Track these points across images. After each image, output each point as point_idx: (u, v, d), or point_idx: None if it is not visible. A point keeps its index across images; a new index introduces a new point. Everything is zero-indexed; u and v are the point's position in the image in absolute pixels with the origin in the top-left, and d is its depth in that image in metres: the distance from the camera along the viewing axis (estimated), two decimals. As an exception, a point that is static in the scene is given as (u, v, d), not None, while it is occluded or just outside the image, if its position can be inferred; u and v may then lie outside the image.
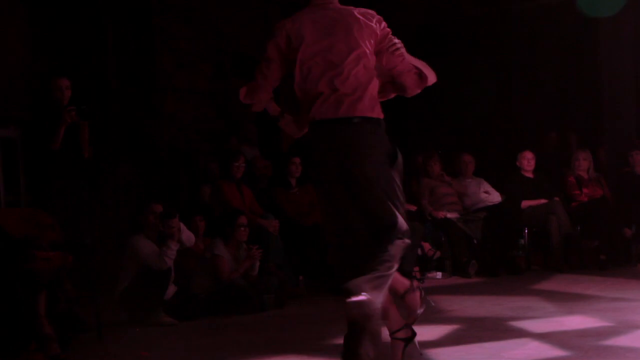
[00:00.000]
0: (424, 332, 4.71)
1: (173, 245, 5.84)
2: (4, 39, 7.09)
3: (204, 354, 4.64)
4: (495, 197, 8.40)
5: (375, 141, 3.54)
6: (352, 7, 3.63)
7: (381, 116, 3.56)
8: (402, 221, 3.44)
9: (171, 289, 6.01)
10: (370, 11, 3.64)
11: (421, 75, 3.67)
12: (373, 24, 3.58)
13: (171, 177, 8.15)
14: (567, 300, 5.90)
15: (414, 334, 3.64)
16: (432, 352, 4.22)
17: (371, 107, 3.54)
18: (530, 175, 8.45)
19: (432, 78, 3.78)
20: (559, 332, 4.60)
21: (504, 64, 10.46)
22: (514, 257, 8.11)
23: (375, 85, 3.58)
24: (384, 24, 3.63)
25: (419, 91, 3.75)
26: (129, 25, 8.28)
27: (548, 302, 5.88)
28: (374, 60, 3.58)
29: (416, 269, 7.69)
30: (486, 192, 8.42)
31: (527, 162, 8.43)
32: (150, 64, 8.55)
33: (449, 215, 8.11)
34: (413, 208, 7.87)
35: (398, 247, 3.38)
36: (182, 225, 5.98)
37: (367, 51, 3.54)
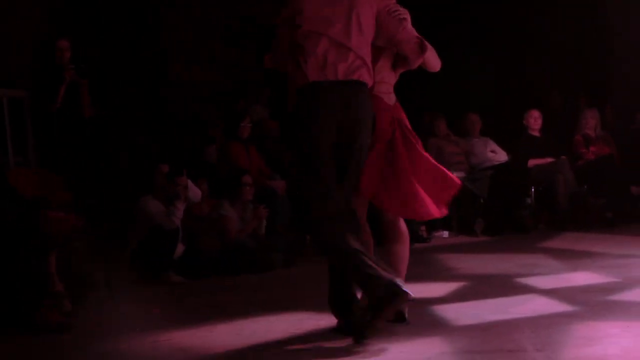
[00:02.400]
0: (431, 289, 4.78)
1: (180, 205, 5.89)
2: (21, 35, 7.05)
3: (213, 312, 4.69)
4: (501, 156, 8.40)
5: (370, 107, 3.65)
6: None
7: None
8: None
9: (179, 248, 6.06)
10: None
11: (422, 45, 3.67)
12: None
13: (179, 139, 8.17)
14: (573, 258, 5.93)
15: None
16: (439, 308, 4.26)
17: (369, 73, 3.64)
18: (537, 134, 8.43)
19: (435, 63, 3.81)
20: (565, 288, 4.63)
21: (514, 25, 10.35)
22: (521, 216, 8.13)
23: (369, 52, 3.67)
24: None
25: (419, 61, 3.76)
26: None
27: (554, 260, 5.91)
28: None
29: (422, 227, 7.73)
30: (493, 151, 8.42)
31: (534, 120, 8.41)
32: (159, 29, 8.53)
33: (455, 174, 8.09)
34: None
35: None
36: (189, 182, 6.02)
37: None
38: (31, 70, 6.43)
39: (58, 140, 5.97)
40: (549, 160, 8.21)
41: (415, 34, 3.70)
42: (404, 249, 3.88)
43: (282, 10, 3.68)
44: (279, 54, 3.71)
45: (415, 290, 3.95)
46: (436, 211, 3.85)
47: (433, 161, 3.88)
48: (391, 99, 3.90)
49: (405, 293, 3.35)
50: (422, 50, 3.70)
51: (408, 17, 3.71)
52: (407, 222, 3.98)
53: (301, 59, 3.58)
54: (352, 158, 3.60)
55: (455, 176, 3.90)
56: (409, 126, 3.90)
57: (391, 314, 3.57)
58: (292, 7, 3.62)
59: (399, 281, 3.40)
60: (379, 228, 3.92)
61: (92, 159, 6.06)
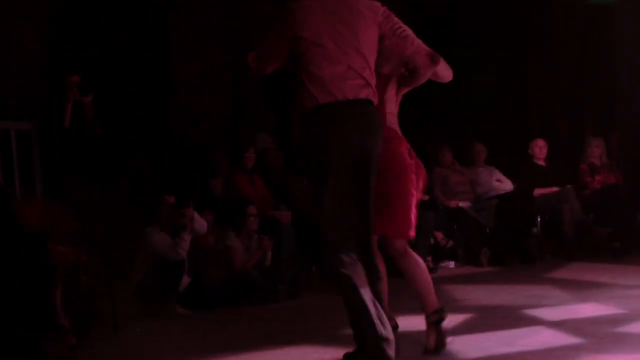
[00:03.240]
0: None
1: (186, 237, 5.88)
2: (21, 35, 7.12)
3: (218, 345, 4.67)
4: (507, 185, 8.39)
5: (381, 128, 3.63)
6: None
7: None
8: None
9: (185, 280, 6.04)
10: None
11: (433, 57, 3.68)
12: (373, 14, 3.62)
13: (184, 169, 8.18)
14: (581, 288, 5.89)
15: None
16: (446, 341, 4.22)
17: (374, 94, 3.60)
18: (542, 163, 8.43)
19: (447, 73, 3.82)
20: (573, 320, 4.61)
21: (518, 52, 10.40)
22: (527, 245, 8.10)
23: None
24: (383, 8, 3.65)
25: (430, 72, 3.76)
26: (144, 20, 8.29)
27: (561, 290, 5.88)
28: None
29: (429, 258, 7.69)
30: (498, 181, 8.41)
31: (539, 149, 8.41)
32: (163, 57, 8.58)
33: (461, 204, 8.11)
34: (425, 197, 7.87)
35: None
36: (195, 214, 6.02)
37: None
38: (41, 101, 6.46)
39: (65, 163, 5.96)
40: (555, 189, 8.19)
41: (424, 46, 3.69)
42: (421, 273, 3.88)
43: (280, 22, 3.59)
44: (265, 56, 3.67)
45: (422, 322, 3.94)
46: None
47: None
48: (399, 129, 3.93)
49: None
50: (434, 61, 3.69)
51: (410, 32, 3.69)
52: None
53: (305, 77, 3.50)
54: (366, 182, 3.53)
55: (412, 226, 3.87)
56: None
57: None
58: (292, 20, 3.54)
59: (390, 344, 3.36)
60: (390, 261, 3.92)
61: (99, 185, 6.05)
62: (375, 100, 3.61)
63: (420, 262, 3.91)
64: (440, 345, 3.89)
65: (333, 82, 3.47)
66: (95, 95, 5.85)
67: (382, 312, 3.41)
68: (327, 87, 3.47)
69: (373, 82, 3.57)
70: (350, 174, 3.47)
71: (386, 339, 3.34)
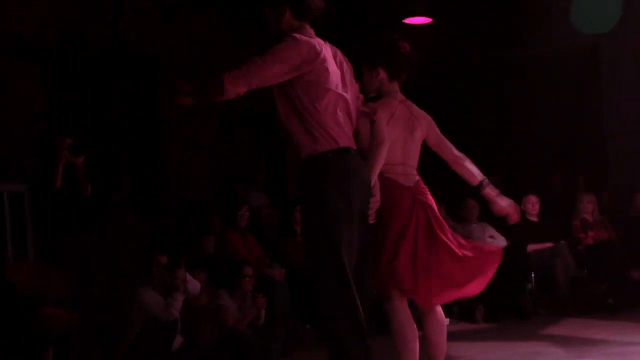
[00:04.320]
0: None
1: (179, 297, 5.85)
2: (15, 99, 7.19)
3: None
4: (500, 241, 8.39)
5: None
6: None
7: None
8: None
9: (178, 340, 5.99)
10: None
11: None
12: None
13: (177, 228, 8.18)
14: (577, 345, 5.87)
15: None
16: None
17: None
18: (535, 219, 8.47)
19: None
20: (569, 378, 4.58)
21: (507, 111, 10.55)
22: (522, 302, 8.07)
23: None
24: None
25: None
26: (137, 81, 8.38)
27: (557, 347, 5.85)
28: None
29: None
30: (491, 237, 8.41)
31: (532, 205, 8.46)
32: (156, 117, 8.65)
33: (455, 260, 8.09)
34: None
35: None
36: (188, 276, 6.00)
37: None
38: (34, 163, 6.50)
39: (58, 224, 5.97)
40: (548, 245, 8.20)
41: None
42: (442, 339, 3.89)
43: (300, 58, 3.36)
44: (260, 83, 3.34)
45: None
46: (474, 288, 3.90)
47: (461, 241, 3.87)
48: (408, 179, 3.91)
49: None
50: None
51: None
52: (410, 308, 3.93)
53: (308, 118, 3.39)
54: (365, 235, 3.49)
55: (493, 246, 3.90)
56: (436, 211, 3.90)
57: None
58: (318, 63, 3.37)
59: None
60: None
61: (90, 246, 6.05)
62: None
63: (402, 321, 3.83)
64: None
65: (335, 128, 3.44)
66: (87, 156, 5.88)
67: None
68: (336, 129, 3.42)
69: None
70: (358, 222, 3.42)
71: None
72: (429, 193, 3.95)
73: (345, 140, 3.44)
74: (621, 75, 9.66)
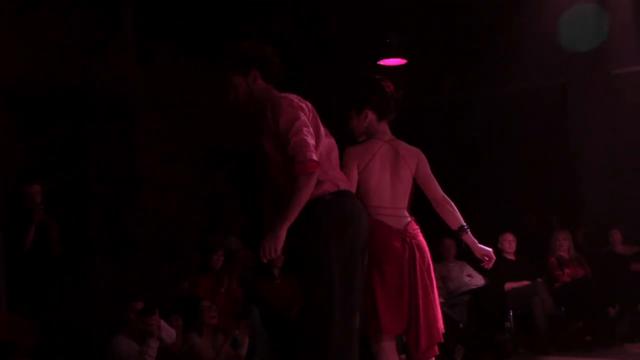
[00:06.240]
0: None
1: (153, 344, 5.75)
2: None
3: None
4: (478, 280, 8.38)
5: None
6: None
7: None
8: None
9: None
10: None
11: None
12: None
13: (153, 273, 8.09)
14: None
15: None
16: None
17: None
18: (512, 257, 8.47)
19: None
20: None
21: (478, 147, 10.61)
22: (500, 341, 8.03)
23: None
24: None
25: None
26: (111, 123, 8.35)
27: (536, 386, 5.82)
28: None
29: (403, 356, 7.57)
30: (469, 276, 8.40)
31: (509, 244, 8.46)
32: (131, 160, 8.60)
33: (433, 300, 8.05)
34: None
35: None
36: (162, 322, 5.90)
37: None
38: (2, 214, 6.44)
39: (28, 280, 5.91)
40: (526, 283, 8.20)
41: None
42: None
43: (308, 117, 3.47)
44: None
45: None
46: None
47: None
48: (399, 221, 3.88)
49: None
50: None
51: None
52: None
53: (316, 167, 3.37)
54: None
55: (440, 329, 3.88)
56: (427, 255, 3.91)
57: None
58: (300, 106, 3.47)
59: None
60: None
61: (62, 298, 5.97)
62: None
63: None
64: None
65: (331, 171, 3.50)
66: (61, 212, 5.84)
67: None
68: (329, 175, 3.48)
69: None
70: (359, 263, 3.45)
71: None
72: (420, 234, 3.93)
73: (344, 183, 3.49)
74: (589, 116, 9.82)
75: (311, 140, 3.37)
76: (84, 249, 7.05)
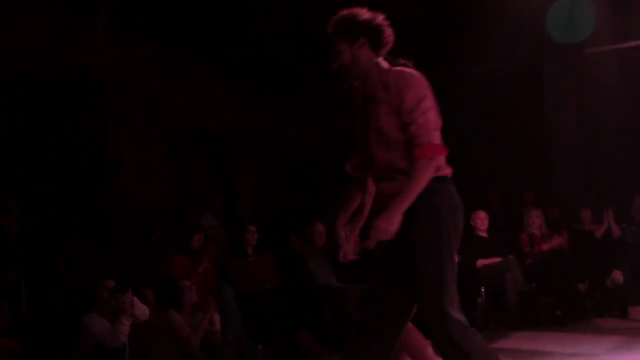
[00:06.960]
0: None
1: (126, 321, 5.77)
2: None
3: None
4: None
5: None
6: None
7: None
8: None
9: (127, 365, 5.91)
10: None
11: None
12: None
13: (128, 254, 8.09)
14: (526, 357, 5.96)
15: None
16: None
17: None
18: (484, 234, 8.55)
19: None
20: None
21: (453, 129, 10.66)
22: (472, 316, 8.12)
23: None
24: None
25: None
26: (84, 106, 8.30)
27: (506, 360, 5.90)
28: None
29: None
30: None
31: (481, 221, 8.54)
32: (104, 142, 8.57)
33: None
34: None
35: None
36: (135, 300, 5.92)
37: None
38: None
39: None
40: (497, 260, 8.29)
41: None
42: None
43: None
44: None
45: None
46: None
47: None
48: None
49: None
50: None
51: None
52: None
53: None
54: None
55: None
56: None
57: None
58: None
59: None
60: None
61: (32, 274, 5.96)
62: None
63: None
64: None
65: None
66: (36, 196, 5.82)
67: None
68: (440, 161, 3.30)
69: None
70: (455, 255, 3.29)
71: None
72: None
73: (448, 169, 3.30)
74: (563, 95, 9.89)
75: (437, 124, 3.24)
76: (58, 232, 7.03)
